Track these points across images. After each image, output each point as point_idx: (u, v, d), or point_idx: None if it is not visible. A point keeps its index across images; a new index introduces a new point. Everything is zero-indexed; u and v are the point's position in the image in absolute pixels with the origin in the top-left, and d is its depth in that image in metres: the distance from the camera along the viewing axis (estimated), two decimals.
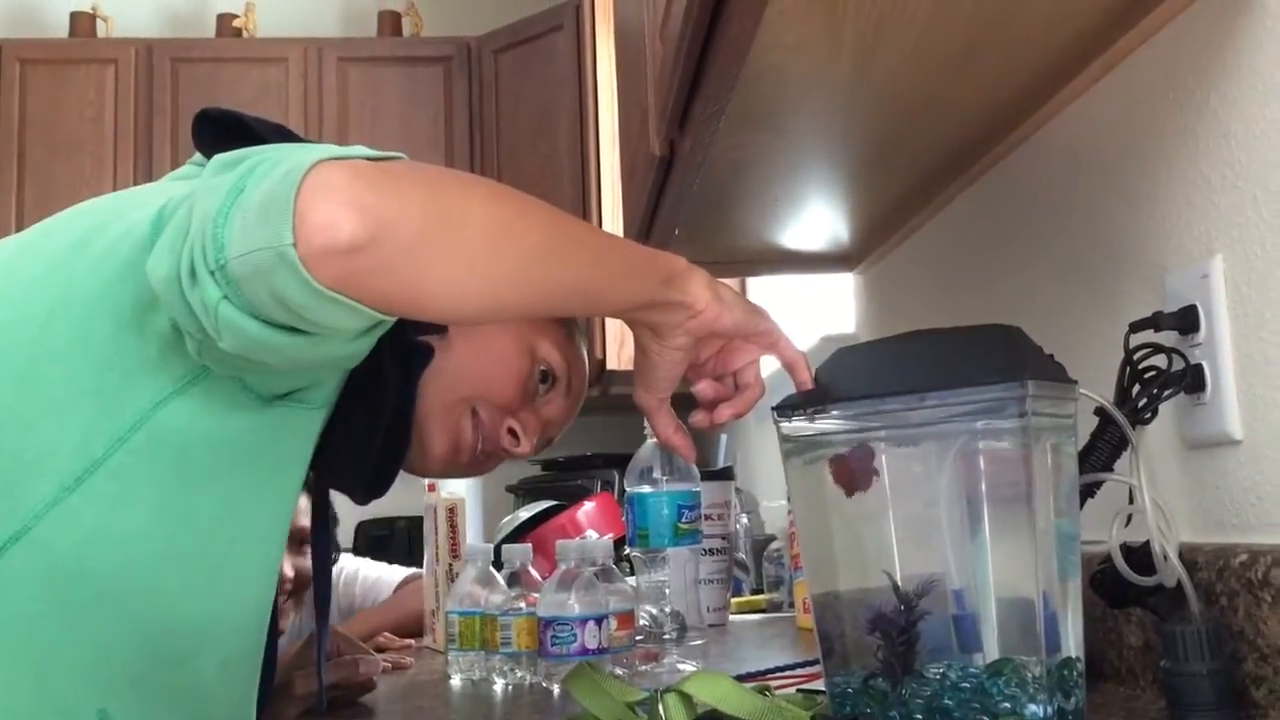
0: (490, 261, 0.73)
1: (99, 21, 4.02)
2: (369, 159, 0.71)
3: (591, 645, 1.14)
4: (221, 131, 0.86)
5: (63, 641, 0.76)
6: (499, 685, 1.21)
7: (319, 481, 0.92)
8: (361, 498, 0.94)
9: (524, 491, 3.31)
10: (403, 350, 0.88)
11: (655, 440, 1.42)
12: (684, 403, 0.90)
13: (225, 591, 0.82)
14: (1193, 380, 0.86)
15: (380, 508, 2.55)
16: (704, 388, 0.90)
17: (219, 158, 0.73)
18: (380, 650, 1.48)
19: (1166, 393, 0.85)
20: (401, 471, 0.96)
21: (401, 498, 1.20)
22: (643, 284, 0.82)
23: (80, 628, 0.76)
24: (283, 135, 0.87)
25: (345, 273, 0.66)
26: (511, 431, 0.99)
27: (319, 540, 0.98)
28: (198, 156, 0.91)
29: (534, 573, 1.26)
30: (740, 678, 0.97)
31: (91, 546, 0.75)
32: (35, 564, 0.74)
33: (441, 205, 0.72)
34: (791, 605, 1.79)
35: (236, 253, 0.66)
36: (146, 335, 0.76)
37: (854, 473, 0.80)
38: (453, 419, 0.96)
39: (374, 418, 0.88)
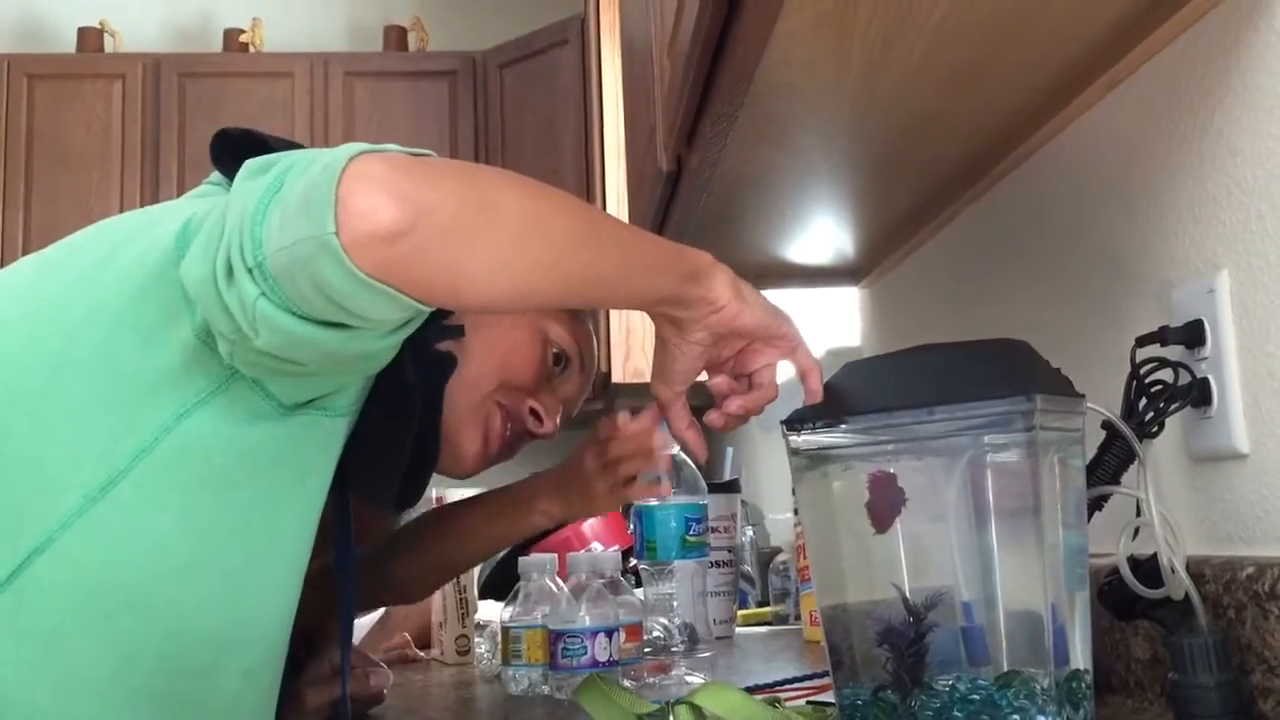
0: (523, 249, 0.75)
1: (106, 36, 4.04)
2: (403, 154, 0.73)
3: (601, 658, 1.15)
4: (240, 151, 0.87)
5: (85, 653, 0.76)
6: (533, 697, 1.21)
7: (345, 491, 0.93)
8: (394, 508, 0.95)
9: None
10: (425, 360, 0.90)
11: (665, 453, 1.43)
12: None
13: (248, 602, 0.82)
14: (1199, 394, 0.87)
15: None
16: (719, 382, 0.91)
17: (250, 163, 0.75)
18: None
19: (1173, 407, 0.86)
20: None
21: None
22: (666, 278, 0.83)
23: (103, 639, 0.77)
24: None
25: (386, 259, 0.68)
26: (534, 413, 1.03)
27: (342, 552, 0.98)
28: (215, 175, 0.92)
29: (552, 585, 1.25)
30: (749, 690, 0.97)
31: (116, 558, 0.76)
32: (60, 575, 0.75)
33: (476, 194, 0.74)
34: (798, 618, 1.79)
35: (276, 247, 0.68)
36: (170, 347, 0.77)
37: (878, 511, 0.80)
38: (481, 416, 1.00)
39: (402, 427, 0.89)
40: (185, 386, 0.77)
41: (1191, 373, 0.87)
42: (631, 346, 3.16)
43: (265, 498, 0.81)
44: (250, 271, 0.69)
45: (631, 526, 1.49)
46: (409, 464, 0.91)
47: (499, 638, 1.26)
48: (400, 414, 0.89)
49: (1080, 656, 0.76)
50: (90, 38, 4.00)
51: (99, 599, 0.76)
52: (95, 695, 0.77)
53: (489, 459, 1.02)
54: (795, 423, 0.84)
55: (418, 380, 0.89)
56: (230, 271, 0.70)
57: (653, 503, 1.39)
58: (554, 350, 1.04)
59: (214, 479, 0.78)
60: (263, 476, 0.80)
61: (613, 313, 3.12)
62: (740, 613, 1.91)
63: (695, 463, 0.97)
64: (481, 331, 0.99)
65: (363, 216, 0.67)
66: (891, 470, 0.80)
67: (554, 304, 0.83)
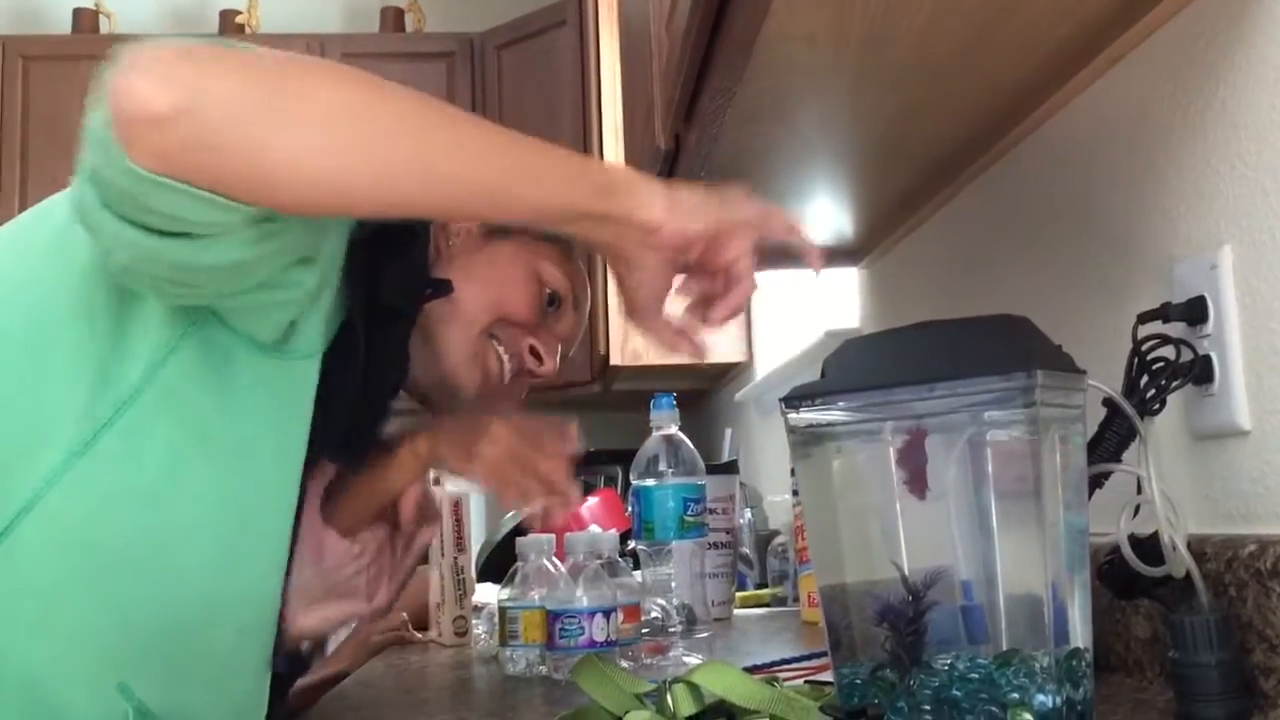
0: (341, 137, 0.69)
1: (101, 18, 4.02)
2: (206, 43, 0.69)
3: (599, 638, 1.14)
4: None
5: (80, 614, 0.76)
6: (530, 677, 1.20)
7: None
8: (346, 462, 0.94)
9: None
10: (377, 315, 0.88)
11: (662, 434, 1.42)
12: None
13: (237, 559, 0.82)
14: (1201, 371, 0.86)
15: None
16: (689, 287, 0.85)
17: None
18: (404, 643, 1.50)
19: (1175, 384, 0.85)
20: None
21: None
22: (567, 189, 0.76)
23: (97, 600, 0.77)
24: None
25: (161, 148, 0.63)
26: (534, 352, 1.03)
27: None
28: None
29: (550, 566, 1.25)
30: (748, 670, 0.97)
31: (102, 513, 0.76)
32: (49, 535, 0.75)
33: (278, 78, 0.68)
34: (796, 599, 1.79)
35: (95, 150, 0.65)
36: (143, 297, 0.77)
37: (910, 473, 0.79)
38: (479, 354, 1.00)
39: (347, 377, 0.86)
40: (159, 334, 0.77)
41: (1194, 349, 0.86)
42: (630, 328, 3.14)
43: (246, 448, 0.80)
44: (91, 180, 0.66)
45: (630, 508, 1.48)
46: (357, 417, 0.90)
47: (496, 619, 1.26)
48: (347, 364, 0.86)
49: (1080, 635, 0.75)
50: (86, 19, 3.98)
51: (90, 557, 0.76)
52: (93, 654, 0.77)
53: (490, 398, 1.02)
54: (793, 400, 0.84)
55: (370, 329, 0.87)
56: (81, 187, 0.67)
57: (651, 483, 1.39)
58: (548, 290, 1.03)
59: (194, 429, 0.78)
60: (241, 424, 0.80)
61: (610, 294, 3.11)
62: (738, 595, 1.91)
63: (698, 358, 0.91)
64: (474, 272, 0.99)
65: (129, 102, 0.63)
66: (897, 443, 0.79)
67: (408, 208, 0.74)
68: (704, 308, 0.85)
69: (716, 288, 0.84)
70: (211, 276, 0.72)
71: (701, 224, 0.79)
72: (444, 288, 0.96)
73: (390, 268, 0.89)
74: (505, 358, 1.02)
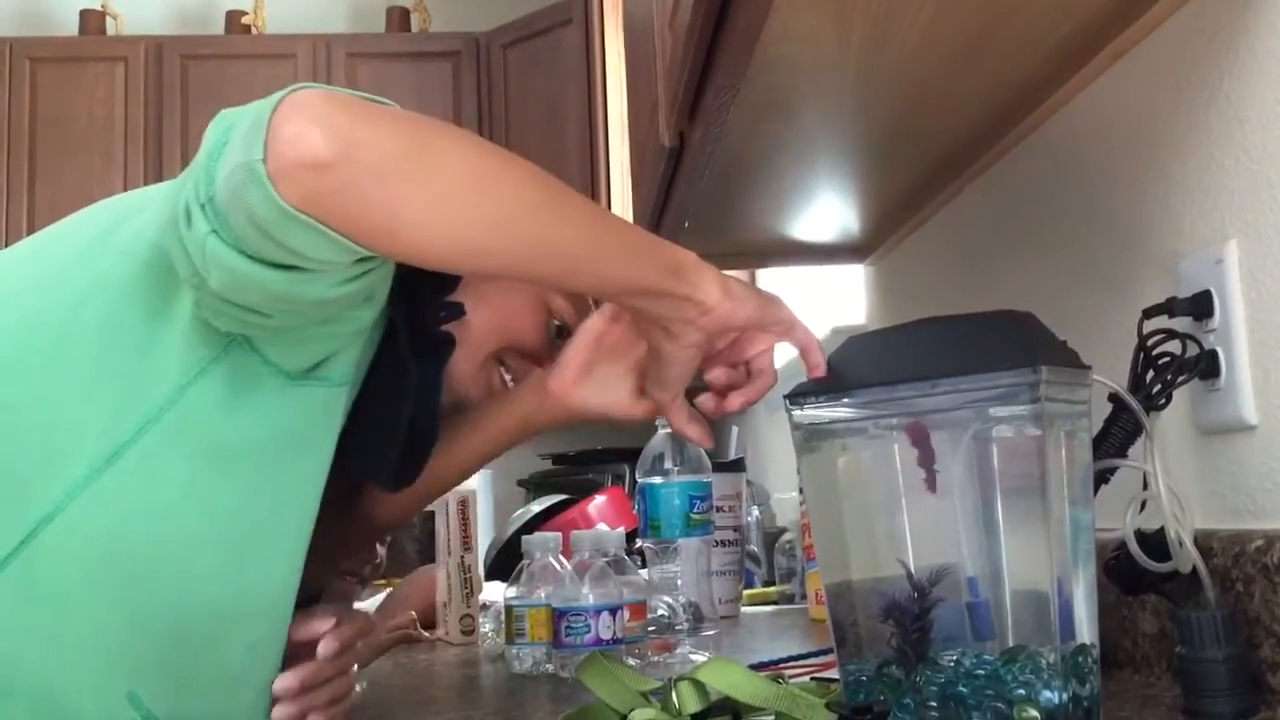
0: (470, 201, 0.73)
1: (108, 19, 4.03)
2: (352, 93, 0.72)
3: (605, 636, 1.14)
4: None
5: (94, 623, 0.77)
6: (537, 675, 1.21)
7: (343, 469, 0.92)
8: (390, 486, 0.95)
9: (534, 485, 3.31)
10: (423, 340, 0.89)
11: (667, 431, 1.42)
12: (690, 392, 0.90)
13: (251, 575, 0.82)
14: (1207, 366, 0.86)
15: None
16: (717, 374, 0.90)
17: (224, 111, 0.74)
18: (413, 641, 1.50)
19: (1181, 379, 0.85)
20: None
21: None
22: (644, 267, 0.81)
23: (111, 609, 0.77)
24: None
25: (311, 190, 0.67)
26: None
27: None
28: None
29: (556, 564, 1.25)
30: (754, 667, 0.97)
31: (123, 527, 0.76)
32: (68, 544, 0.75)
33: (419, 140, 0.72)
34: (803, 597, 1.79)
35: (221, 180, 0.68)
36: (174, 318, 0.77)
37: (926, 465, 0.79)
38: (485, 375, 1.00)
39: (397, 405, 0.88)
40: (188, 356, 0.77)
41: (1199, 344, 0.86)
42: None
43: (268, 469, 0.81)
44: (203, 208, 0.68)
45: (636, 506, 1.48)
46: (406, 443, 0.91)
47: (502, 617, 1.26)
48: (395, 393, 0.88)
49: (1086, 631, 0.75)
50: (92, 20, 3.99)
51: (107, 568, 0.76)
52: (104, 663, 0.78)
53: None
54: (797, 397, 0.84)
55: (415, 361, 0.89)
56: (189, 211, 0.69)
57: (656, 480, 1.38)
58: (556, 321, 1.04)
59: (217, 450, 0.78)
60: (264, 448, 0.80)
61: None
62: (746, 592, 1.91)
63: (706, 444, 0.96)
64: (485, 297, 0.99)
65: (289, 143, 0.66)
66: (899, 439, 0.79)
67: (509, 272, 0.80)
68: (721, 396, 0.90)
69: (738, 377, 0.89)
70: (299, 308, 0.75)
71: (747, 314, 0.84)
72: (456, 310, 0.96)
73: (433, 300, 0.92)
74: (510, 384, 1.02)
